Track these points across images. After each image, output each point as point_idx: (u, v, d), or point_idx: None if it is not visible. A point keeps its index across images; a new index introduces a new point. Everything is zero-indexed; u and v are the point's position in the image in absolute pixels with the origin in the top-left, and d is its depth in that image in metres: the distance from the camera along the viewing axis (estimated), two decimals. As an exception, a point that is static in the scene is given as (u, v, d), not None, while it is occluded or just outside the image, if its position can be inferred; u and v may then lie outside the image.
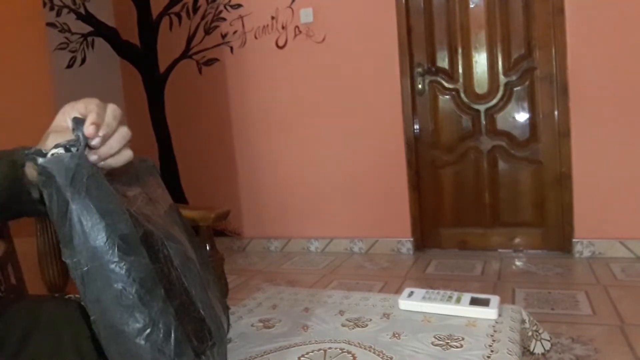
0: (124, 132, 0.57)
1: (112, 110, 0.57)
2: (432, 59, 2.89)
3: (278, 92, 3.16)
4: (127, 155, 0.59)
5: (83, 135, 0.53)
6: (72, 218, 0.51)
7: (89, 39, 3.46)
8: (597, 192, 2.55)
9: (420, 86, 2.90)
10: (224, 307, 0.87)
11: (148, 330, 0.53)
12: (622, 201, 2.51)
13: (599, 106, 2.51)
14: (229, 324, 0.86)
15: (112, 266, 0.52)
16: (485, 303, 0.88)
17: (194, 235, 0.81)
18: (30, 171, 0.58)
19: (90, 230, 0.51)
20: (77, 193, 0.51)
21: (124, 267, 0.52)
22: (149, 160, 0.84)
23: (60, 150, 0.52)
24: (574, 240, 2.62)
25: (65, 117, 0.57)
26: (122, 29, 3.61)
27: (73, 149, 0.52)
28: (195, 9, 3.35)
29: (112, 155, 0.57)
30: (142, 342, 0.53)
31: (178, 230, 0.75)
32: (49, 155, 0.52)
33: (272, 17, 3.11)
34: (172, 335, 0.54)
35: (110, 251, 0.52)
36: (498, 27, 2.74)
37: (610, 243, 2.54)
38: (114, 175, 0.65)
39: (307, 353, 0.77)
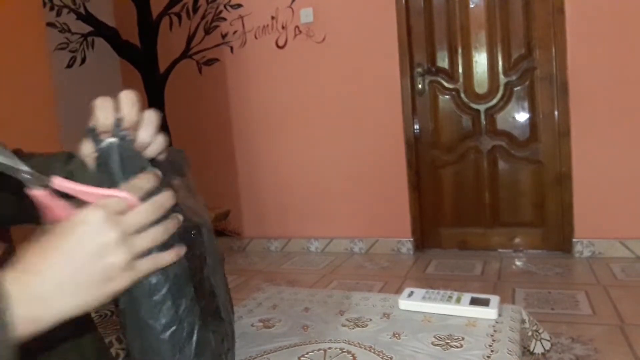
0: (151, 117, 0.53)
1: (126, 97, 0.50)
2: (432, 59, 2.89)
3: (278, 92, 3.16)
4: (160, 142, 0.54)
5: (124, 131, 0.51)
6: None
7: (89, 39, 3.46)
8: (597, 192, 2.55)
9: (420, 86, 2.90)
10: (232, 309, 0.87)
11: (173, 328, 0.53)
12: (622, 201, 2.51)
13: (599, 106, 2.51)
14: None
15: None
16: (485, 303, 0.88)
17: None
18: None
19: None
20: (126, 182, 0.50)
21: None
22: (182, 151, 0.83)
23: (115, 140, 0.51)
24: (574, 240, 2.62)
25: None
26: (122, 29, 3.61)
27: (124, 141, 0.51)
28: (195, 9, 3.35)
29: (148, 145, 0.53)
30: (167, 338, 0.52)
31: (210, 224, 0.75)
32: (106, 141, 0.50)
33: (272, 17, 3.11)
34: (195, 335, 0.54)
35: None
36: (498, 27, 2.74)
37: (610, 243, 2.54)
38: (158, 164, 0.65)
39: (307, 353, 0.77)
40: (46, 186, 0.47)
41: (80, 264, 0.43)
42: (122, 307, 0.53)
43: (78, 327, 0.65)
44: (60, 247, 0.43)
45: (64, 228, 0.44)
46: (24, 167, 0.47)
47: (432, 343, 0.77)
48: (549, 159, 2.70)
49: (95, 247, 0.43)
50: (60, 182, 0.48)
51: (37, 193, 0.47)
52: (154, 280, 0.51)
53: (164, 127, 3.25)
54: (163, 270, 0.51)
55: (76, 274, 0.43)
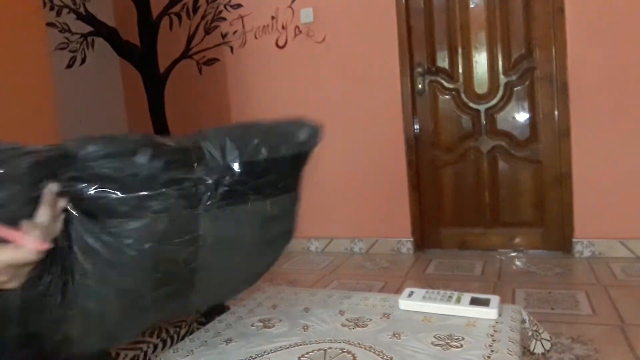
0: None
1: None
2: (432, 59, 2.89)
3: (278, 92, 3.16)
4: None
5: None
6: None
7: (89, 39, 3.46)
8: (597, 192, 2.55)
9: (420, 86, 2.90)
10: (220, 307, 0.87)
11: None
12: (622, 201, 2.51)
13: (599, 106, 2.51)
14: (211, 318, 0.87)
15: None
16: (485, 303, 0.88)
17: None
18: None
19: None
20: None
21: None
22: (303, 124, 0.87)
23: None
24: (574, 240, 2.62)
25: None
26: (122, 29, 3.61)
27: None
28: (195, 9, 3.35)
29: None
30: None
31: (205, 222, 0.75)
32: None
33: (272, 17, 3.11)
34: None
35: None
36: (498, 27, 2.74)
37: (610, 243, 2.54)
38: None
39: (307, 353, 0.77)
40: None
41: None
42: None
43: None
44: None
45: None
46: None
47: (432, 343, 0.77)
48: (549, 159, 2.70)
49: None
50: None
51: None
52: None
53: (163, 127, 3.23)
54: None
55: None
